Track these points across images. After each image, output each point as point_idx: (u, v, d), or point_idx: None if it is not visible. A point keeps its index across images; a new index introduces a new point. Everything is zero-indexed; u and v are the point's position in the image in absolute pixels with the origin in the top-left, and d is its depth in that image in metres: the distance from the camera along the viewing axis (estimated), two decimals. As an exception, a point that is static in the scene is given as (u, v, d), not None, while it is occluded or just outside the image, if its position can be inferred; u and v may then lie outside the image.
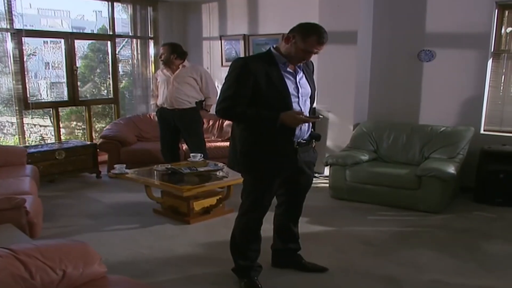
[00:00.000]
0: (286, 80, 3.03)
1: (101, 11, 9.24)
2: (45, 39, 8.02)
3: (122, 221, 4.68)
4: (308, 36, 2.94)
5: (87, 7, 8.04)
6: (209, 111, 5.84)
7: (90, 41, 8.69)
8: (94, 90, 9.17)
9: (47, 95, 8.89)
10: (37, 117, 8.25)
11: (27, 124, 8.69)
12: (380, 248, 4.01)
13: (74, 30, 14.84)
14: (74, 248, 2.55)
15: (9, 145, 6.44)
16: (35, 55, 9.49)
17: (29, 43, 9.18)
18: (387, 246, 4.06)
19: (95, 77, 9.27)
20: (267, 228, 3.49)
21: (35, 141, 7.58)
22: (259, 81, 2.93)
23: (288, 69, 3.07)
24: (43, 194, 5.40)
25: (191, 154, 5.42)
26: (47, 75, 9.24)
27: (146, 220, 4.72)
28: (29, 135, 8.69)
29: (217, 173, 4.89)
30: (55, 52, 8.10)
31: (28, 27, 6.83)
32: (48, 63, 9.17)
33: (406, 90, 6.12)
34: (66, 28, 18.63)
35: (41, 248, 2.44)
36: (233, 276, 3.38)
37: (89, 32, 11.20)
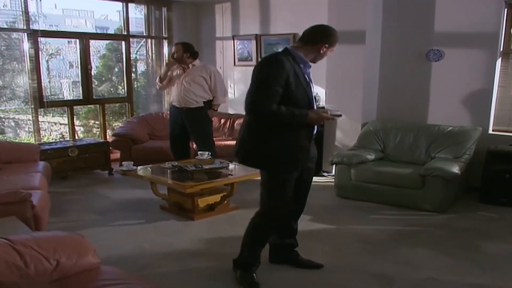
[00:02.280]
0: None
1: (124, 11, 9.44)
2: (69, 39, 8.22)
3: (128, 217, 4.81)
4: (335, 41, 3.21)
5: (111, 7, 8.23)
6: (217, 110, 5.94)
7: (107, 41, 8.87)
8: (111, 89, 9.36)
9: (69, 94, 9.09)
10: (58, 116, 8.47)
11: (48, 122, 8.95)
12: (377, 247, 4.05)
13: (98, 30, 15.16)
14: (69, 240, 2.67)
15: (23, 142, 6.63)
16: (59, 55, 9.73)
17: (51, 43, 9.43)
18: (384, 245, 4.09)
19: (113, 76, 9.45)
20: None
21: (55, 139, 7.78)
22: (290, 80, 3.02)
23: (307, 69, 3.22)
24: (54, 190, 5.60)
25: (199, 152, 5.52)
26: (69, 75, 9.45)
27: (152, 216, 4.83)
28: (50, 133, 8.94)
29: (222, 171, 4.98)
30: (76, 52, 8.32)
31: (53, 27, 7.03)
32: (71, 62, 9.39)
33: (414, 90, 6.13)
34: (90, 27, 19.00)
35: (37, 239, 2.57)
36: (230, 271, 3.46)
37: (112, 32, 11.40)
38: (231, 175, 4.91)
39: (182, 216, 4.80)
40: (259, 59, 3.23)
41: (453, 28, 5.77)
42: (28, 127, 6.96)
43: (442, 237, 4.29)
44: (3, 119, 8.32)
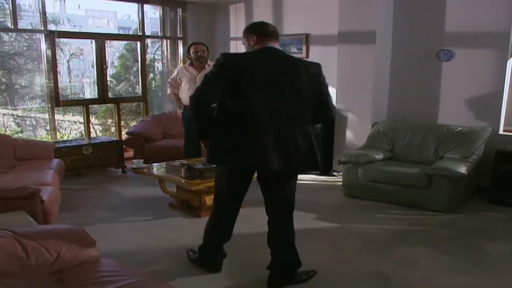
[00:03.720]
0: None
1: (146, 12, 9.60)
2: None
3: (137, 214, 4.92)
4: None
5: (133, 8, 8.35)
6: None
7: (126, 42, 9.05)
8: (129, 88, 9.54)
9: (89, 94, 9.30)
10: (78, 115, 8.68)
11: (68, 121, 9.17)
12: (377, 245, 4.08)
13: (120, 30, 15.38)
14: (70, 233, 2.78)
15: (39, 140, 6.81)
16: (81, 55, 9.96)
17: (72, 44, 9.65)
18: (384, 244, 4.12)
19: (130, 76, 9.64)
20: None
21: (75, 137, 7.98)
22: None
23: None
24: (68, 186, 5.76)
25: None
26: (90, 74, 9.68)
27: (160, 213, 4.94)
28: (70, 131, 9.16)
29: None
30: (92, 52, 8.51)
31: (77, 28, 7.21)
32: (92, 62, 9.62)
33: (425, 90, 6.12)
34: (112, 28, 19.26)
35: (40, 232, 2.70)
36: (231, 266, 3.58)
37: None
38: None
39: (189, 213, 4.90)
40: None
41: (463, 28, 5.75)
42: (46, 126, 7.15)
43: (445, 236, 4.30)
44: (25, 118, 8.57)
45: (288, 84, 3.05)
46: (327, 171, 6.66)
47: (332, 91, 6.57)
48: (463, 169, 4.90)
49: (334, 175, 6.57)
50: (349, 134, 6.48)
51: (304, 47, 7.23)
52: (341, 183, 5.77)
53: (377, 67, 6.19)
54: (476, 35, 5.67)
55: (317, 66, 3.20)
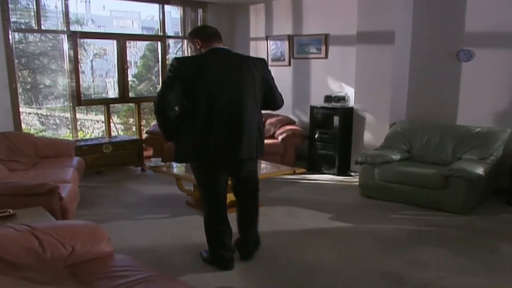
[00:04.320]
0: None
1: (170, 12, 9.72)
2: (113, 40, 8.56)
3: (154, 211, 5.01)
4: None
5: (156, 9, 8.47)
6: None
7: (147, 42, 9.15)
8: (150, 88, 9.65)
9: (112, 93, 9.46)
10: (101, 114, 8.83)
11: (91, 120, 9.33)
12: (390, 245, 4.09)
13: (144, 31, 15.54)
14: (85, 229, 2.88)
15: (60, 138, 6.96)
16: (105, 55, 10.11)
17: (95, 44, 9.80)
18: (398, 244, 4.12)
19: (152, 76, 9.75)
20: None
21: (97, 136, 8.12)
22: None
23: None
24: (87, 184, 5.89)
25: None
26: (113, 74, 9.82)
27: (176, 211, 5.02)
28: (92, 130, 9.31)
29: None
30: (114, 52, 8.63)
31: (101, 28, 7.35)
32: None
33: (444, 90, 6.08)
34: (136, 28, 19.49)
35: (56, 227, 2.79)
36: (244, 264, 3.65)
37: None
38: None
39: (205, 212, 4.97)
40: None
41: (483, 28, 5.70)
42: (68, 124, 7.29)
43: (460, 237, 4.28)
44: (49, 117, 8.75)
45: (241, 80, 3.34)
46: (344, 171, 6.67)
47: (350, 91, 6.64)
48: (480, 170, 4.86)
49: (351, 175, 6.57)
50: (367, 135, 6.47)
51: (323, 47, 7.25)
52: (357, 183, 5.77)
53: (395, 67, 6.17)
54: (497, 35, 5.61)
55: (263, 61, 3.57)
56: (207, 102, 3.25)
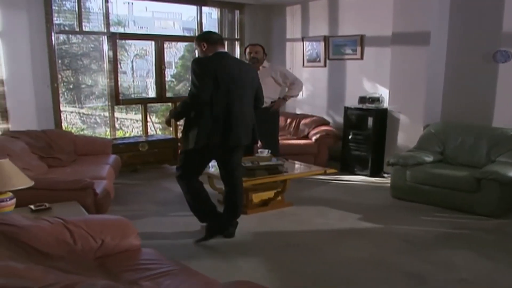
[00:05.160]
0: None
1: (210, 13, 9.87)
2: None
3: (186, 209, 5.03)
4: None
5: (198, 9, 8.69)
6: (287, 100, 6.14)
7: (186, 43, 9.33)
8: (188, 88, 9.84)
9: (152, 93, 9.69)
10: (140, 113, 9.06)
11: (130, 119, 9.58)
12: (417, 247, 4.08)
13: (185, 32, 15.83)
14: (114, 223, 3.02)
15: (98, 136, 7.19)
16: (147, 55, 10.37)
17: (136, 45, 10.06)
18: (425, 245, 4.11)
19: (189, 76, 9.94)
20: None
21: (136, 135, 8.34)
22: None
23: None
24: (123, 181, 6.07)
25: (259, 150, 5.71)
26: (153, 74, 10.05)
27: (208, 209, 5.12)
28: (132, 129, 9.57)
29: (278, 168, 5.17)
30: (152, 53, 8.85)
31: (143, 29, 7.53)
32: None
33: (480, 92, 5.98)
34: (177, 29, 19.84)
35: (87, 221, 2.94)
36: (273, 262, 3.73)
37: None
38: (286, 172, 5.10)
39: (236, 210, 5.06)
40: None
41: (522, 29, 5.60)
42: (107, 123, 7.52)
43: (489, 241, 4.23)
44: (89, 116, 9.05)
45: (243, 79, 4.02)
46: (377, 173, 6.65)
47: (385, 92, 6.61)
48: (514, 173, 4.78)
49: (384, 177, 6.54)
50: (400, 136, 6.43)
51: (358, 48, 7.24)
52: (389, 185, 5.76)
53: (430, 69, 6.12)
54: (535, 35, 5.51)
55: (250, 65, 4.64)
56: (225, 95, 3.86)
